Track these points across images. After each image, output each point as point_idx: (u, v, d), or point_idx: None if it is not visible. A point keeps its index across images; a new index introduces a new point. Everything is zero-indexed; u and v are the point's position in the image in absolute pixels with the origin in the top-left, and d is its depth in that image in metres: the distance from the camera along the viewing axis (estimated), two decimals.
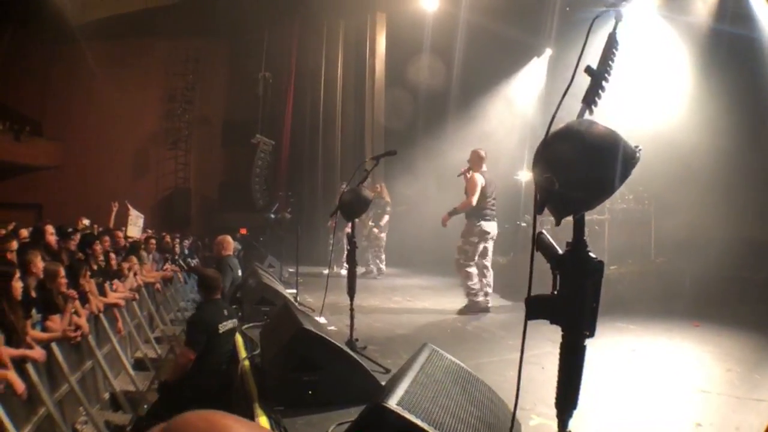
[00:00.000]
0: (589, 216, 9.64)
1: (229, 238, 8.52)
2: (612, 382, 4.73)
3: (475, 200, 7.87)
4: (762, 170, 9.10)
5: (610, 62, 2.23)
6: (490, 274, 8.26)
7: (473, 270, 8.05)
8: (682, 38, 10.11)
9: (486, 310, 8.03)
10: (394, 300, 9.25)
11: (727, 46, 9.31)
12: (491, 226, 8.08)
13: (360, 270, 10.69)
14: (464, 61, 13.79)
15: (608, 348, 5.80)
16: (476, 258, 8.10)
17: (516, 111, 13.14)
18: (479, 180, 7.93)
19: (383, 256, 12.91)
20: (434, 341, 3.72)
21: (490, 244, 8.19)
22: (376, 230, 12.72)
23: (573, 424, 3.66)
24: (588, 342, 2.01)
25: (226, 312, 5.85)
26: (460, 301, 8.29)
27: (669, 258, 9.75)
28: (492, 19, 12.39)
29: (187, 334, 5.88)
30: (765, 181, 9.15)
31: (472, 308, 8.00)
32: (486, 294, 8.16)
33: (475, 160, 8.15)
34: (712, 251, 8.86)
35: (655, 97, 10.06)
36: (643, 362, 5.46)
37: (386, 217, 12.80)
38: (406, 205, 14.48)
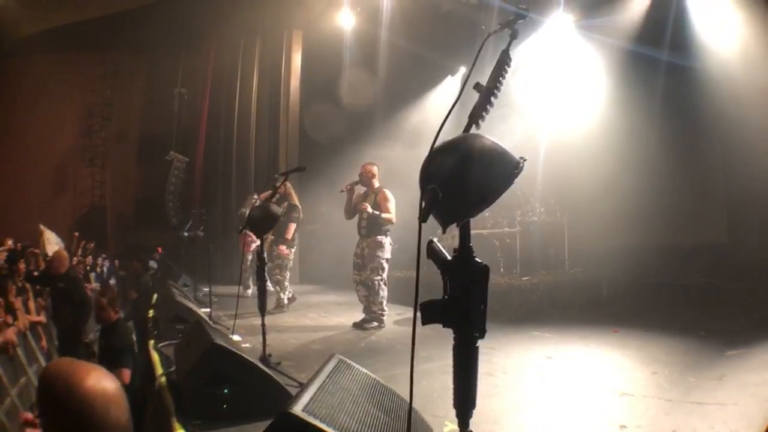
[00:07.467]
0: (500, 229, 9.95)
1: (64, 254, 8.11)
2: (528, 388, 4.76)
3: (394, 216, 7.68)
4: (674, 179, 9.39)
5: (500, 79, 2.35)
6: None
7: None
8: (599, 55, 10.39)
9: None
10: (309, 317, 9.11)
11: (640, 63, 9.61)
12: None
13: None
14: (385, 77, 13.91)
15: (523, 356, 5.84)
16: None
17: (432, 128, 13.30)
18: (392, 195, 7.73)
19: (287, 283, 9.51)
20: (348, 355, 3.76)
21: None
22: (281, 247, 9.26)
23: (493, 430, 3.78)
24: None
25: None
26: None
27: (584, 268, 9.85)
28: (409, 38, 12.61)
29: (115, 357, 5.84)
30: (677, 189, 9.44)
31: (380, 321, 7.82)
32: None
33: (376, 174, 7.92)
34: (628, 260, 9.05)
35: (569, 110, 10.38)
36: (560, 368, 5.38)
37: (293, 227, 9.23)
38: (319, 223, 14.18)
